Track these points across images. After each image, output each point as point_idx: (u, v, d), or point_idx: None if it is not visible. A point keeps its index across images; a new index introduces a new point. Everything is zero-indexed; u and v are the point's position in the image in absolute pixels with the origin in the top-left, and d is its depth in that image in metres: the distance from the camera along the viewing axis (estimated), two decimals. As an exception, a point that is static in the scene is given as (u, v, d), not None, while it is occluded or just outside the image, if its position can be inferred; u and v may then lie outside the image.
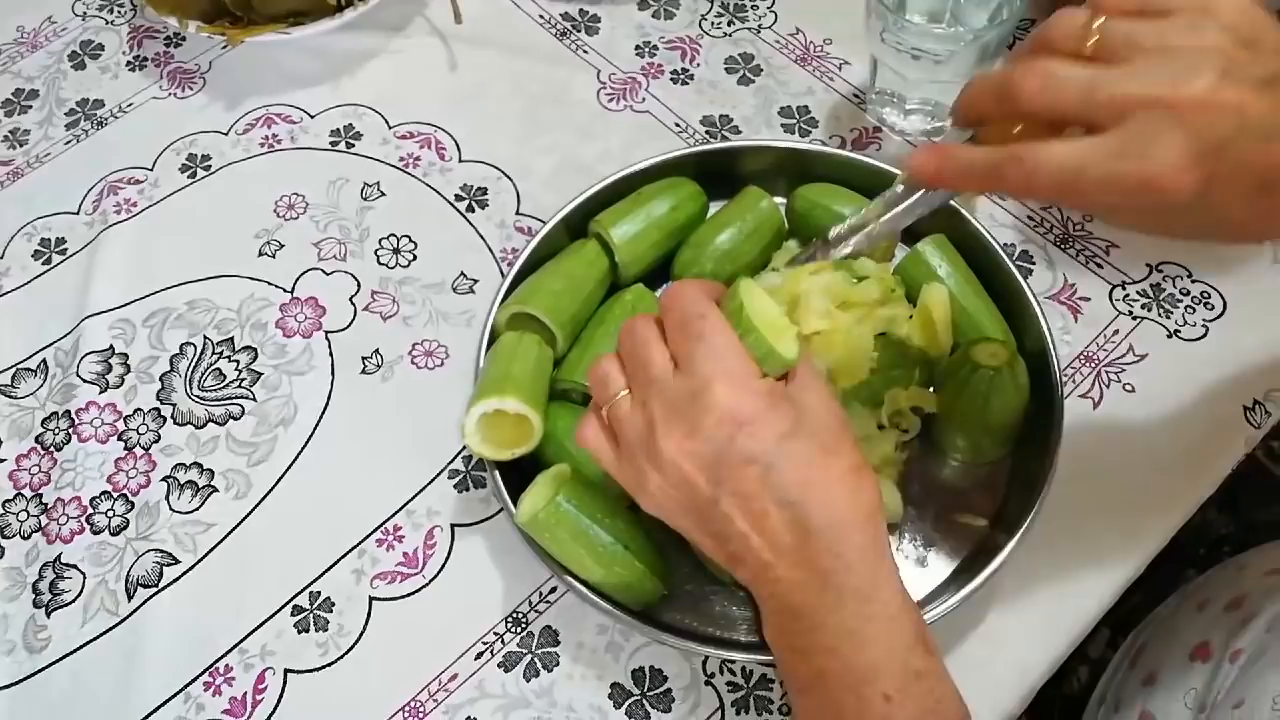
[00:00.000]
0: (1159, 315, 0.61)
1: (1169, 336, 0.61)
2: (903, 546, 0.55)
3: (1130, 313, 0.62)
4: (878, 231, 0.46)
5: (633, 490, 0.43)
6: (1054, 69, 0.37)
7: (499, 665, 0.53)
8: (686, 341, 0.41)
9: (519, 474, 0.53)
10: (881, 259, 0.60)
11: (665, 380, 0.41)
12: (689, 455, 0.40)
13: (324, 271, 0.66)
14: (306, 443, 0.60)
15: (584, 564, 0.50)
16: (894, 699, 0.39)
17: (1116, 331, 0.61)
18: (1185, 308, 0.61)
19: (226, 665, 0.54)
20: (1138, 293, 0.62)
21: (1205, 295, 0.62)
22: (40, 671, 0.54)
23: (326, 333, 0.64)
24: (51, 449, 0.61)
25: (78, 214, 0.70)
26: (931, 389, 0.57)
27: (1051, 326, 0.56)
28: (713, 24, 0.75)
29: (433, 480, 0.58)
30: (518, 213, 0.67)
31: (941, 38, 0.61)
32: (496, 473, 0.53)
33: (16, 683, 0.54)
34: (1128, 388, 0.59)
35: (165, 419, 0.61)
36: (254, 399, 0.62)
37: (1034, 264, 0.63)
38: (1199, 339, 0.60)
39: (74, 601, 0.56)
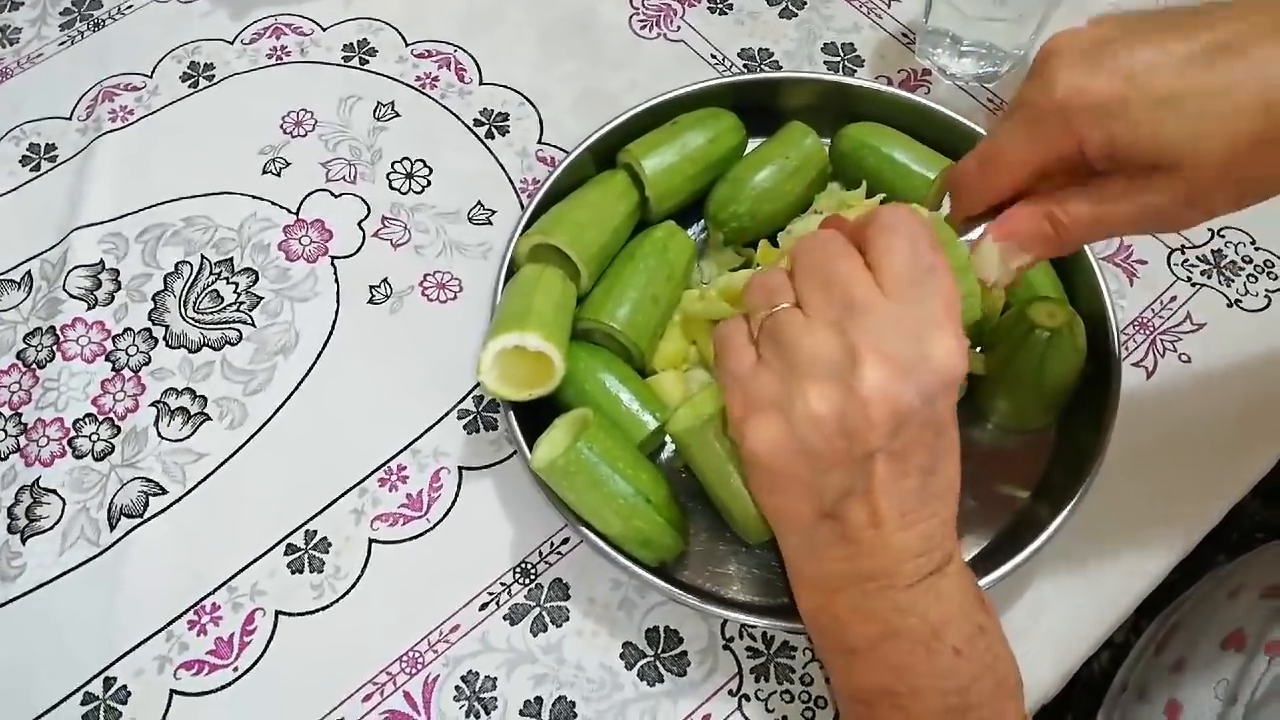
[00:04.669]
0: (1219, 283, 0.58)
1: (1229, 306, 0.57)
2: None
3: (1189, 279, 0.58)
4: None
5: (751, 408, 0.37)
6: None
7: (504, 618, 0.50)
8: (918, 270, 0.36)
9: (533, 417, 0.50)
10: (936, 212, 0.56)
11: (876, 305, 0.35)
12: (891, 398, 0.34)
13: (332, 193, 0.62)
14: (307, 373, 0.56)
15: (602, 515, 0.46)
16: (963, 652, 0.37)
17: (1174, 298, 0.57)
18: (1247, 276, 0.58)
19: (214, 604, 0.51)
20: (1198, 258, 0.58)
21: (1269, 264, 0.58)
22: (13, 600, 0.51)
23: (332, 258, 0.60)
24: (34, 366, 0.57)
25: (70, 119, 0.65)
26: (979, 350, 0.53)
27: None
28: (755, -48, 0.70)
29: (441, 419, 0.55)
30: (540, 141, 0.63)
31: (1009, -29, 0.56)
32: (511, 414, 0.49)
33: (-11, 611, 0.51)
34: (1184, 358, 0.56)
35: (157, 340, 0.57)
36: (253, 324, 0.58)
37: (1089, 222, 0.60)
38: (1261, 310, 0.57)
39: (52, 528, 0.52)
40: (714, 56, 0.66)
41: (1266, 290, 0.57)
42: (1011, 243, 0.40)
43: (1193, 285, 0.58)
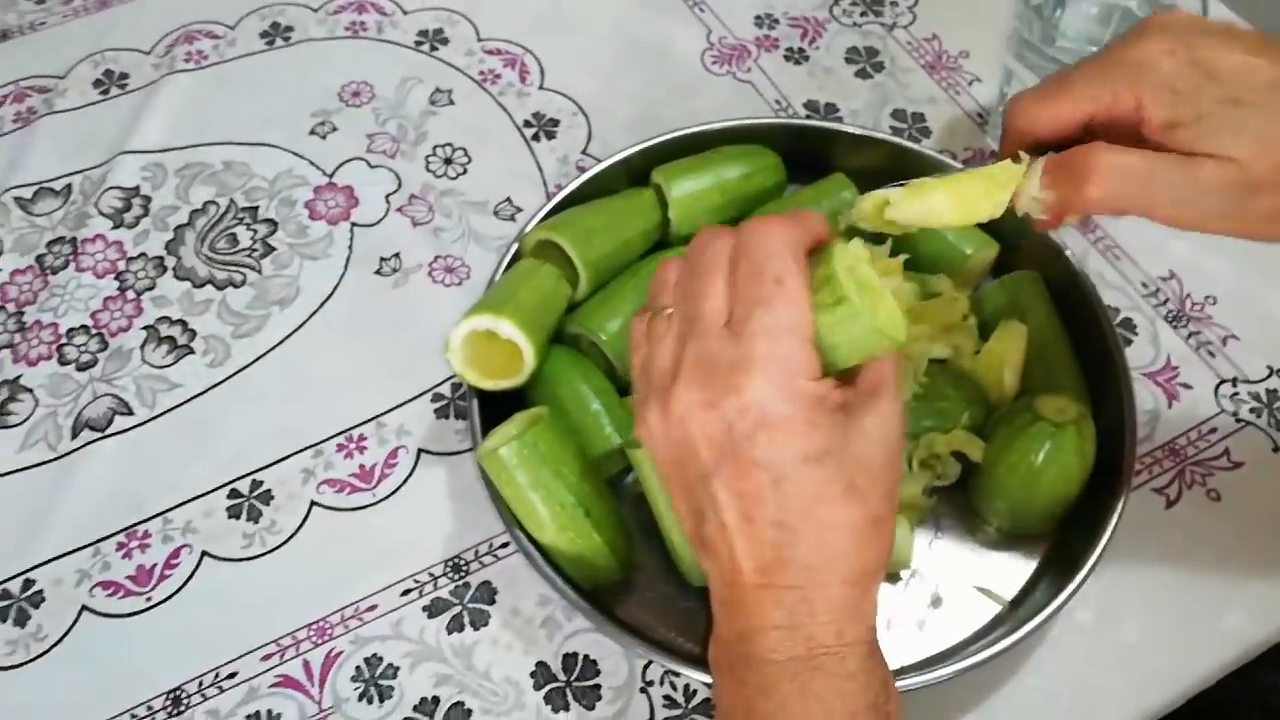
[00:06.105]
0: (1268, 424, 0.53)
1: (1275, 450, 0.52)
2: (903, 601, 0.48)
3: (1235, 413, 0.53)
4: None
5: (634, 408, 0.37)
6: None
7: (424, 609, 0.48)
8: (749, 300, 0.34)
9: (504, 414, 0.48)
10: (963, 285, 0.53)
11: (710, 328, 0.34)
12: (700, 423, 0.33)
13: (368, 164, 0.62)
14: (298, 328, 0.56)
15: (538, 520, 0.44)
16: None
17: (1214, 430, 0.53)
18: (1301, 424, 0.53)
19: (146, 530, 0.50)
20: (1249, 394, 0.54)
21: (1328, 416, 0.53)
22: (-40, 488, 0.51)
23: (353, 224, 0.60)
24: (48, 271, 0.58)
25: (148, 54, 0.68)
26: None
27: (1139, 405, 0.49)
28: (845, 11, 0.69)
29: (414, 399, 0.53)
30: (584, 152, 0.62)
31: (1088, 58, 0.54)
32: (475, 402, 0.48)
33: (-66, 494, 0.51)
34: (1212, 494, 0.51)
35: (166, 269, 0.58)
36: (259, 271, 0.58)
37: (1136, 334, 0.55)
38: (1309, 463, 0.52)
39: (18, 426, 0.53)
40: (778, 103, 0.65)
41: (1319, 443, 0.52)
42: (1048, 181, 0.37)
43: (1238, 421, 0.53)
